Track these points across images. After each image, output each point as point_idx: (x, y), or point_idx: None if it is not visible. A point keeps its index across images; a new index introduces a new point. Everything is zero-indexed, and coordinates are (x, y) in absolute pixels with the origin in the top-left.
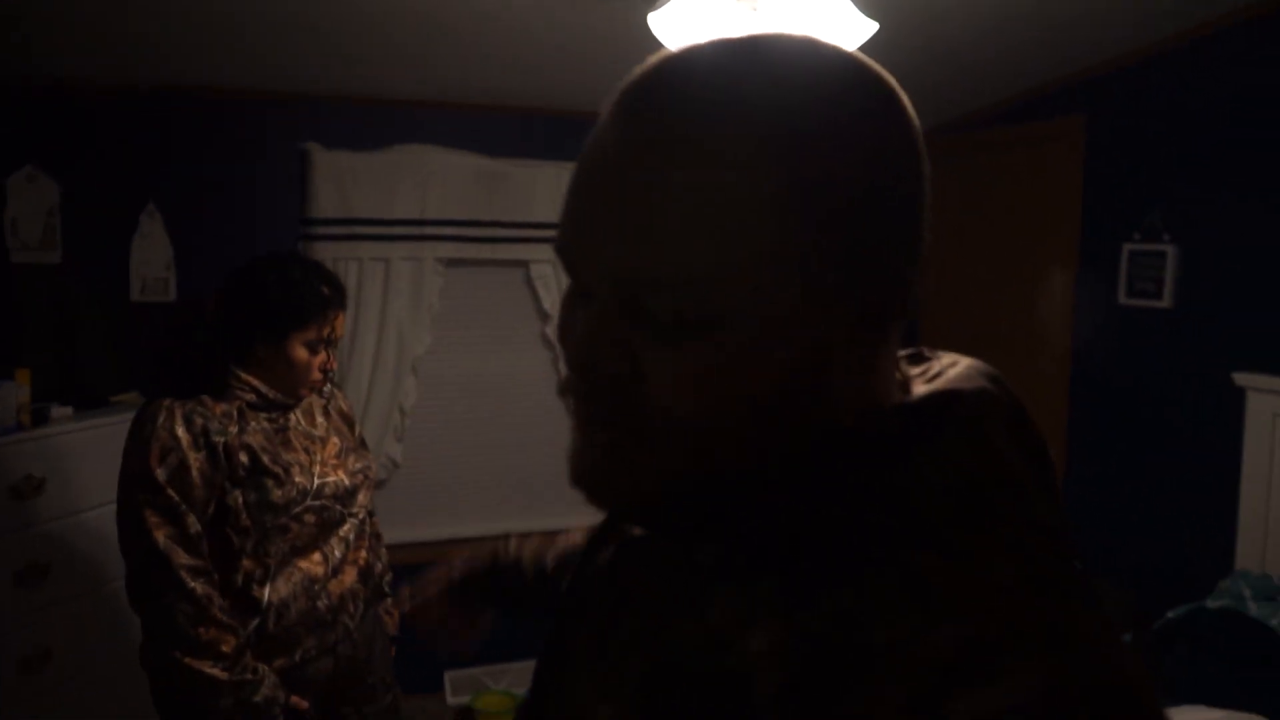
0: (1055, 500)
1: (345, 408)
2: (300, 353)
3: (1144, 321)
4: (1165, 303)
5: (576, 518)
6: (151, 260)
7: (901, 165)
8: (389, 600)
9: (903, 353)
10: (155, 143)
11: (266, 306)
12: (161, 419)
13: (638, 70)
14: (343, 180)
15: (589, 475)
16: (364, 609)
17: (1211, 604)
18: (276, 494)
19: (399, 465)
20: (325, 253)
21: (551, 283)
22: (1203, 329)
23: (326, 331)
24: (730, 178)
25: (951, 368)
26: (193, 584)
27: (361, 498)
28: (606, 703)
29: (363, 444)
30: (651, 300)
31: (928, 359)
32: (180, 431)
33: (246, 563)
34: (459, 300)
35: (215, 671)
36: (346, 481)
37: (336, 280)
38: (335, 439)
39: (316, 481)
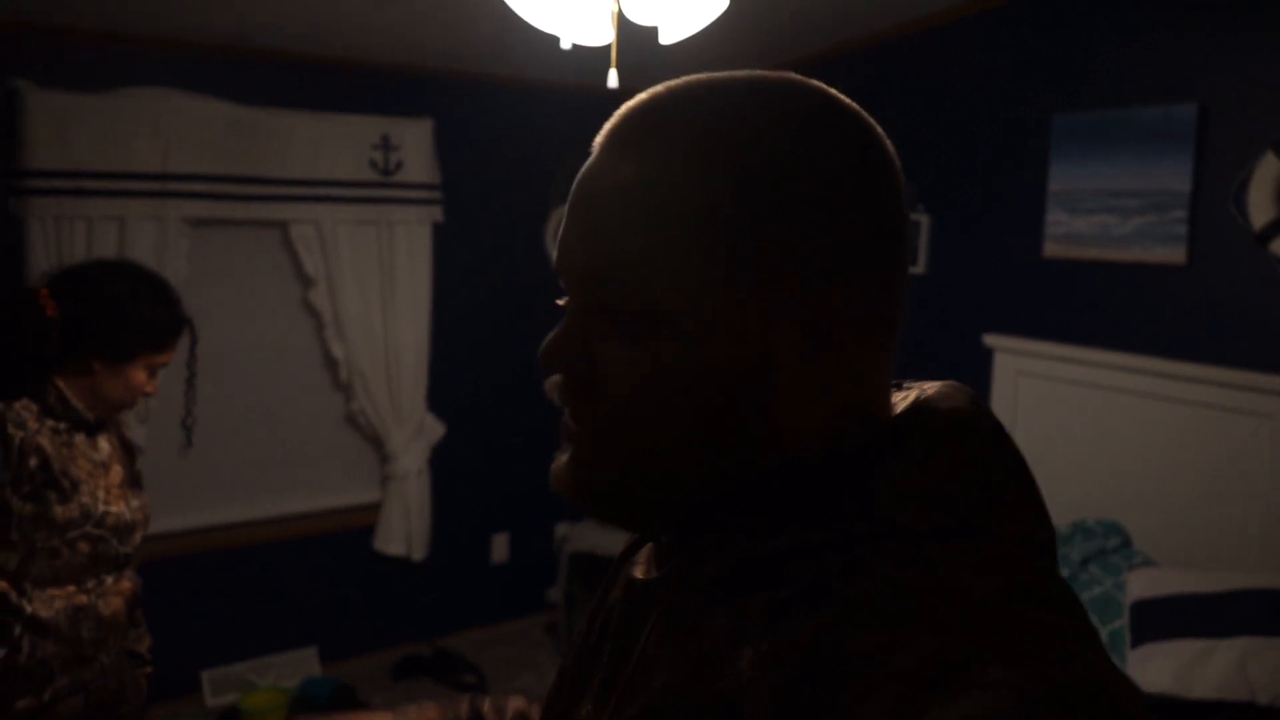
0: (1039, 513)
1: (127, 436)
2: (139, 375)
3: None
4: (920, 269)
5: (352, 494)
6: None
7: (855, 182)
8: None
9: None
10: None
11: (122, 324)
12: None
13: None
14: (64, 126)
15: (560, 476)
16: (120, 643)
17: None
18: (57, 510)
19: (143, 450)
20: (45, 210)
21: (313, 244)
22: (954, 294)
23: (167, 359)
24: (670, 174)
25: (929, 388)
26: None
27: (137, 537)
28: None
29: (137, 481)
30: (608, 296)
31: (906, 388)
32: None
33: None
34: (208, 264)
35: None
36: (127, 515)
37: (180, 303)
38: (118, 467)
39: (100, 508)
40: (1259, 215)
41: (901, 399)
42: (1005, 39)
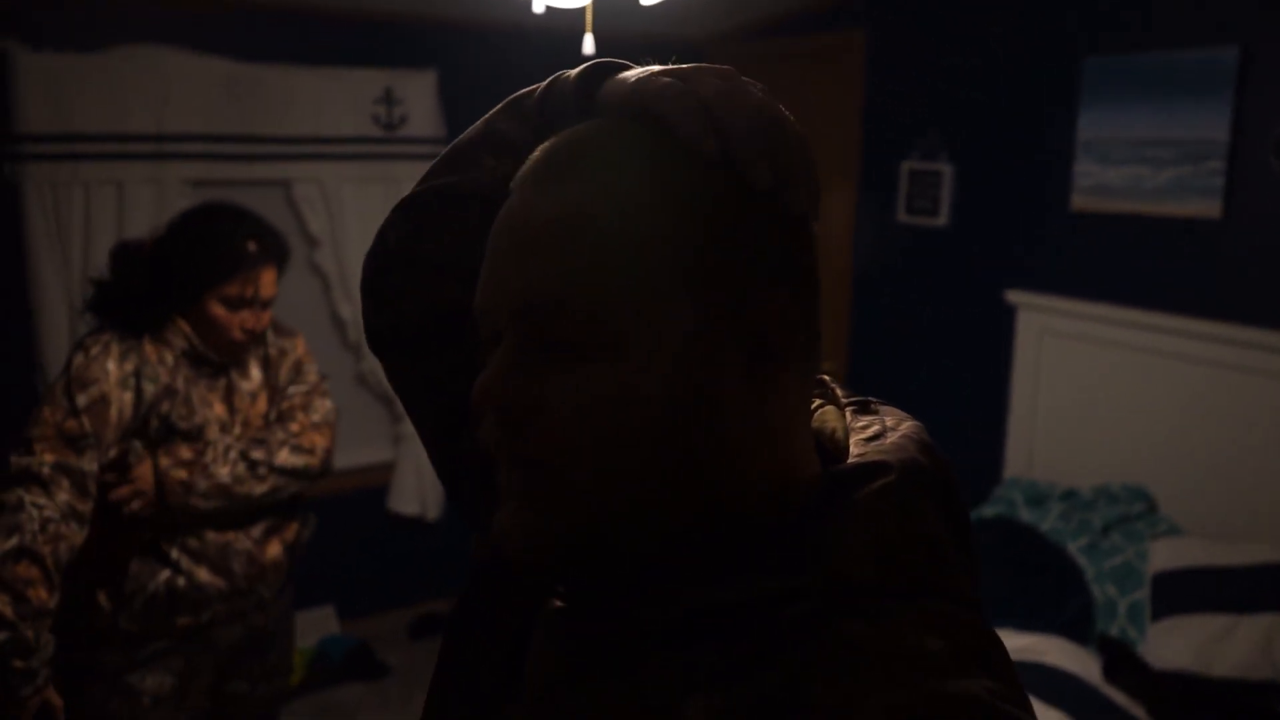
0: (975, 572)
1: (286, 347)
2: (218, 310)
3: (922, 239)
4: (942, 221)
5: (365, 454)
6: None
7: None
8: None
9: (849, 400)
10: None
11: (186, 260)
12: (95, 350)
13: (536, 152)
14: (57, 88)
15: (506, 534)
16: (285, 582)
17: (987, 512)
18: (192, 453)
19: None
20: (40, 176)
21: (318, 203)
22: (977, 248)
23: (250, 291)
24: (616, 196)
25: (893, 432)
26: (50, 514)
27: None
28: None
29: (317, 392)
30: (552, 325)
31: (874, 411)
32: (111, 366)
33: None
34: None
35: (4, 607)
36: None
37: (272, 235)
38: (264, 396)
39: (237, 442)
40: None
41: (863, 427)
42: None
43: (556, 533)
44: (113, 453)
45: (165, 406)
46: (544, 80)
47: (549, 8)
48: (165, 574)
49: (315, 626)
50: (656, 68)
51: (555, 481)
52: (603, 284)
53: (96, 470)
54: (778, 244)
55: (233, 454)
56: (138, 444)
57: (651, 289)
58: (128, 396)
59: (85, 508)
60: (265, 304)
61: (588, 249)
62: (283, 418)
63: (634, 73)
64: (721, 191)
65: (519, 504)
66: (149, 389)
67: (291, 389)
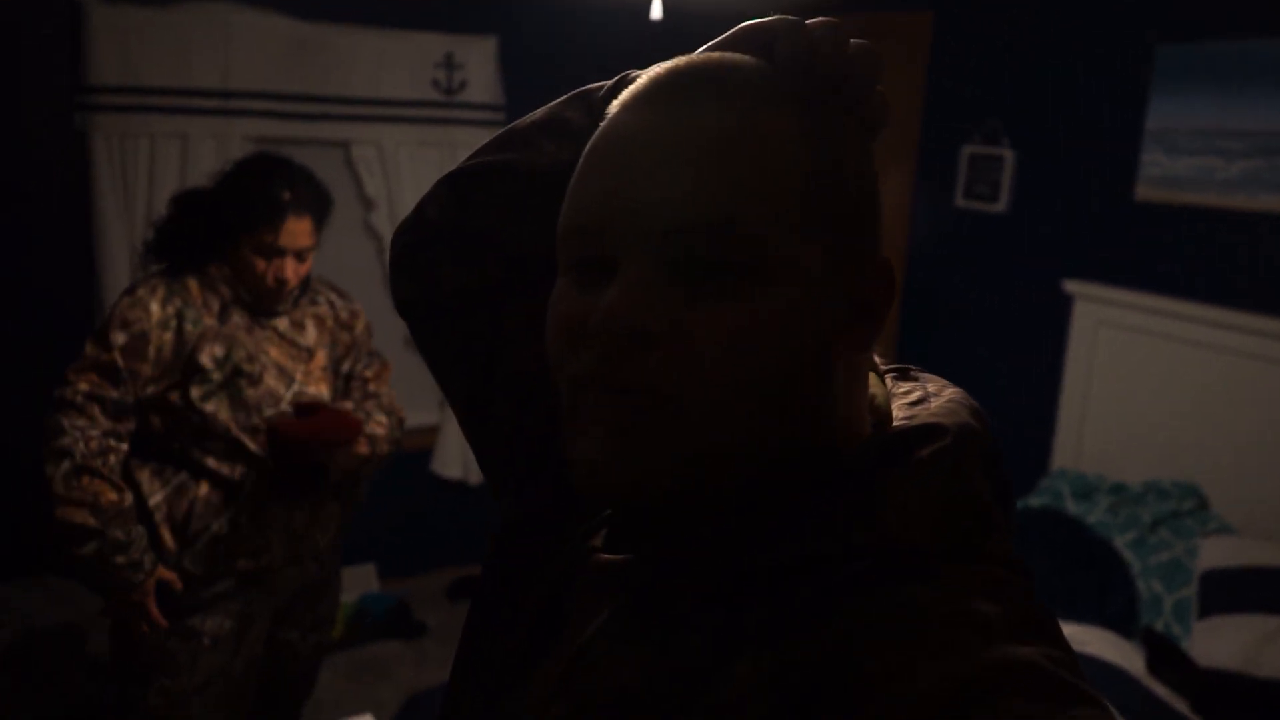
0: (1012, 537)
1: (345, 318)
2: (251, 258)
3: (979, 225)
4: (1001, 207)
5: (412, 417)
6: None
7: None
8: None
9: (888, 367)
10: None
11: (227, 205)
12: (141, 291)
13: (646, 76)
14: (126, 41)
15: (593, 465)
16: (337, 533)
17: (1033, 503)
18: (249, 393)
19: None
20: (109, 127)
21: (375, 165)
22: (1036, 235)
23: (279, 240)
24: (762, 122)
25: (936, 397)
26: (92, 432)
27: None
28: None
29: (374, 355)
30: (715, 245)
31: (915, 378)
32: (154, 307)
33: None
34: None
35: (86, 519)
36: (326, 395)
37: (312, 186)
38: (322, 353)
39: (296, 388)
40: None
41: (905, 393)
42: None
43: (657, 465)
44: (151, 389)
45: (217, 349)
46: (611, 77)
47: None
48: (231, 511)
49: (357, 583)
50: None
51: (667, 411)
52: (774, 206)
53: (131, 400)
54: (878, 190)
55: (379, 414)
56: (195, 392)
57: (806, 219)
58: (168, 336)
59: (124, 428)
60: (299, 254)
61: (758, 168)
62: (372, 381)
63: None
64: (845, 128)
65: (608, 433)
66: (191, 330)
67: (366, 363)
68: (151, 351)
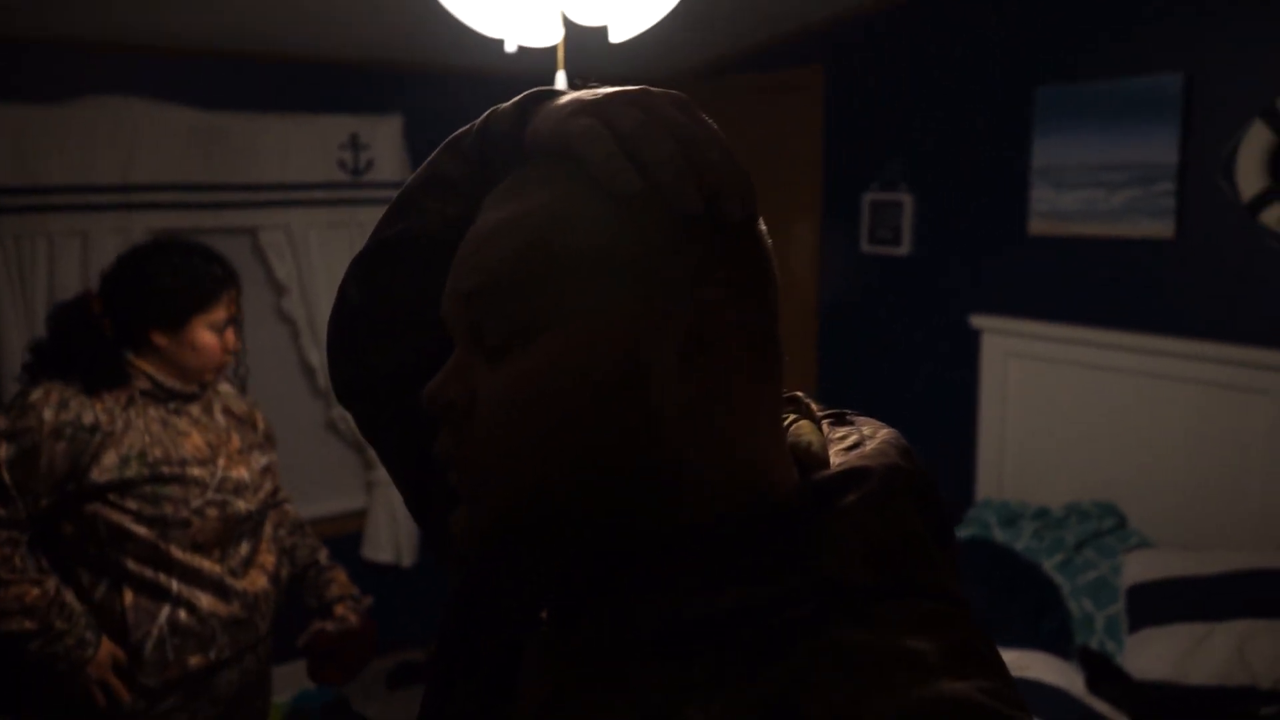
0: (956, 569)
1: (241, 409)
2: (205, 336)
3: (886, 268)
4: (904, 249)
5: (337, 502)
6: None
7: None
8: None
9: (824, 413)
10: None
11: (162, 294)
12: (34, 397)
13: None
14: (21, 140)
15: (455, 536)
16: (272, 619)
17: (962, 534)
18: (170, 489)
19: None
20: (4, 229)
21: (285, 250)
22: (940, 274)
23: (231, 311)
24: (558, 214)
25: (871, 439)
26: None
27: (263, 493)
28: None
29: (269, 439)
30: (489, 310)
31: (850, 423)
32: (48, 415)
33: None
34: None
35: (22, 624)
36: (248, 477)
37: (224, 259)
38: (236, 436)
39: (219, 475)
40: (1248, 186)
41: (841, 437)
42: (986, 10)
43: (484, 528)
44: (45, 502)
45: (128, 449)
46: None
47: (520, 48)
48: (166, 609)
49: (290, 682)
50: (581, 96)
51: (489, 478)
52: (540, 263)
53: (24, 516)
54: (720, 252)
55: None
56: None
57: (588, 278)
58: (60, 446)
59: (20, 535)
60: (238, 324)
61: (525, 238)
62: (286, 502)
63: (560, 104)
64: (655, 218)
65: (464, 506)
66: (88, 437)
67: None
68: (43, 464)
